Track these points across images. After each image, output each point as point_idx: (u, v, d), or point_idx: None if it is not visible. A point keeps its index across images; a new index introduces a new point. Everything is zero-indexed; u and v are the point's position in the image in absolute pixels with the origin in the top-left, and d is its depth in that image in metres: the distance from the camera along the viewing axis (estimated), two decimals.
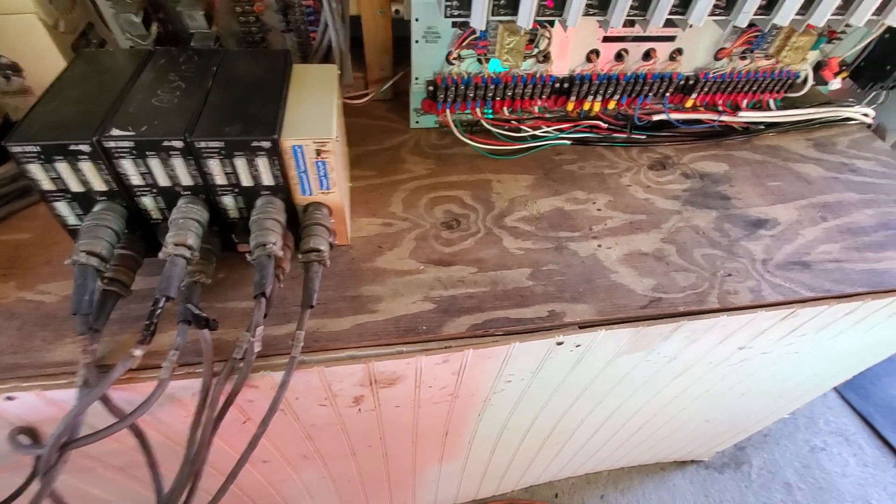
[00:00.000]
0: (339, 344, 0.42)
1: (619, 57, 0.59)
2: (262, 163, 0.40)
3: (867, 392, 1.41)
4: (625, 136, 0.65)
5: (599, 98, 0.62)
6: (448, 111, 0.60)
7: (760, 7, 0.48)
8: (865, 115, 0.72)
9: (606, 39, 0.57)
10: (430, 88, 0.58)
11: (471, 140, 0.61)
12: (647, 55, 0.60)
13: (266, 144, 0.38)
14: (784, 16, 0.48)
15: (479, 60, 0.56)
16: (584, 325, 0.46)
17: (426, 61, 0.56)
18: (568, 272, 0.50)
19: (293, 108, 0.42)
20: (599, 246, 0.53)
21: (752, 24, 0.52)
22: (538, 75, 0.58)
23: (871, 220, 0.59)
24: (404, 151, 0.62)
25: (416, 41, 0.54)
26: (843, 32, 0.61)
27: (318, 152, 0.40)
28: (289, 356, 0.39)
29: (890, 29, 0.64)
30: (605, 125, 0.65)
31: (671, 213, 0.57)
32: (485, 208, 0.56)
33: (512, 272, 0.49)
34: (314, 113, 0.42)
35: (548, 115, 0.65)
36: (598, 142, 0.65)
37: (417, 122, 0.64)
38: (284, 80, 0.44)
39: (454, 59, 0.55)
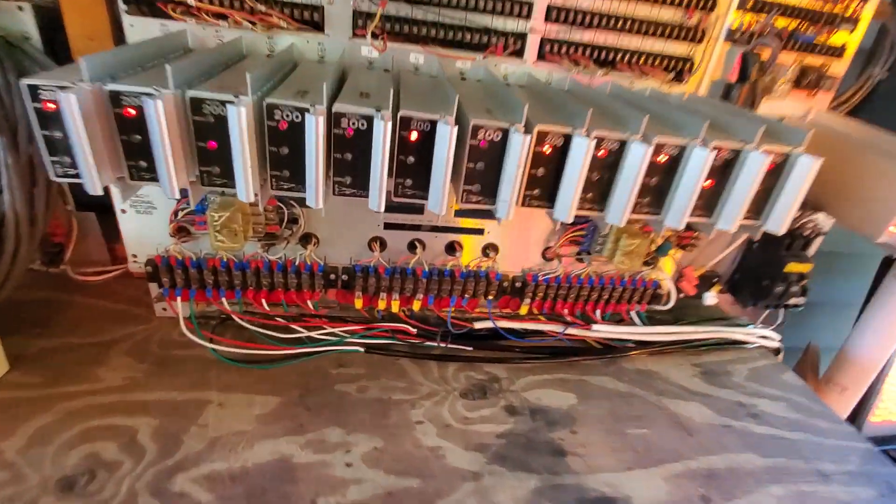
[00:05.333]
0: None
1: (412, 248, 0.46)
2: None
3: None
4: (441, 345, 0.49)
5: (396, 295, 0.47)
6: (179, 300, 0.44)
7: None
8: (764, 337, 0.57)
9: (389, 226, 0.45)
10: (149, 269, 0.43)
11: (213, 341, 0.44)
12: (452, 248, 0.47)
13: None
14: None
15: None
16: None
17: (141, 236, 0.43)
18: None
19: None
20: None
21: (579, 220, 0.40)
22: (300, 262, 0.44)
23: None
24: (116, 350, 0.44)
25: (123, 211, 0.41)
26: (695, 238, 0.50)
27: None
28: None
29: (757, 239, 0.53)
30: (415, 331, 0.49)
31: (462, 479, 0.37)
32: (157, 454, 0.35)
33: None
34: None
35: (347, 315, 0.49)
36: (403, 352, 0.48)
37: (165, 309, 0.48)
38: None
39: (174, 233, 0.42)
